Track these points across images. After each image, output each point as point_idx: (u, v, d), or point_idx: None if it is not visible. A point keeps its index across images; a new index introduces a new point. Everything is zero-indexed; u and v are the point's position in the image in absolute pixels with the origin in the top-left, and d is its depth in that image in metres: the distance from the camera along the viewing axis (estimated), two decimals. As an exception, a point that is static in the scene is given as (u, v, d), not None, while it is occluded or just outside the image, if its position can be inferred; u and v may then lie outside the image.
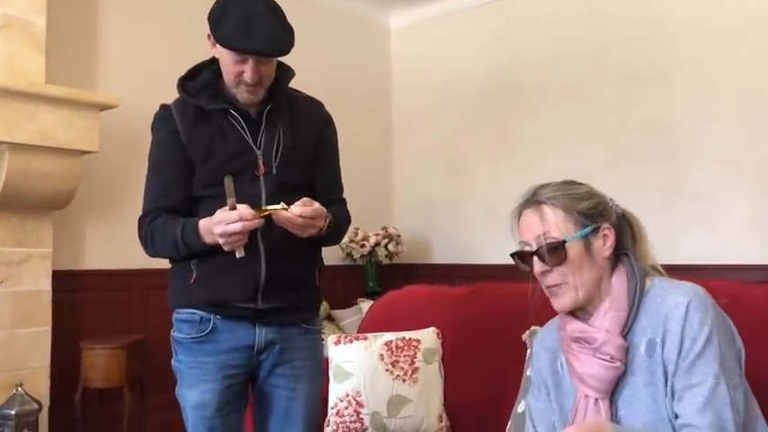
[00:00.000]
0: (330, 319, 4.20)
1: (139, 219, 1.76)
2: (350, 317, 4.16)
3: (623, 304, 1.32)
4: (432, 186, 4.85)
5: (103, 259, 3.48)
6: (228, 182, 1.57)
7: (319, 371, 1.86)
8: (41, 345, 3.05)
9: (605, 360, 1.30)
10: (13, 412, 2.67)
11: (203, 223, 1.62)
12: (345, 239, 4.45)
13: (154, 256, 1.76)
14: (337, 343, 2.36)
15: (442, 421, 2.21)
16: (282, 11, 1.67)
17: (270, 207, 1.59)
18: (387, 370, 2.25)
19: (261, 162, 1.71)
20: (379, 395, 2.21)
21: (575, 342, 1.35)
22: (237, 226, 1.54)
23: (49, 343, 3.08)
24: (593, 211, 1.35)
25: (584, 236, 1.33)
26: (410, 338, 2.32)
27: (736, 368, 1.26)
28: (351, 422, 2.19)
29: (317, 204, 1.63)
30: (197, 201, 1.73)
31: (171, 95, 1.79)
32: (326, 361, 2.27)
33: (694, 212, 3.59)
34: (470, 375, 2.24)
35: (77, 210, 3.32)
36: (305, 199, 1.62)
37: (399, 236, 4.65)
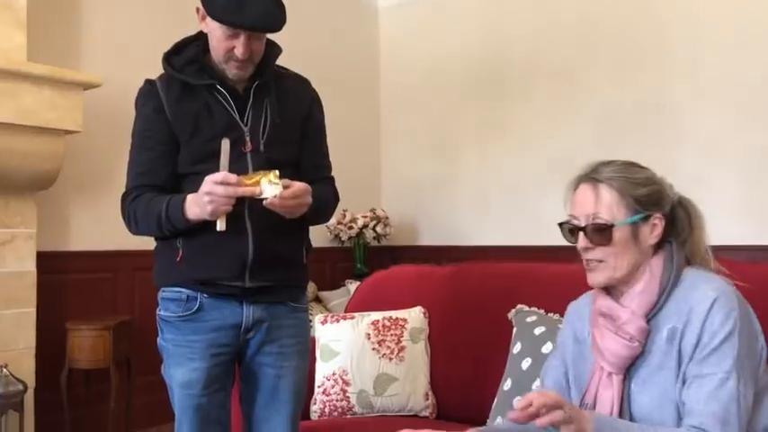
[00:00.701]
0: (318, 300, 4.20)
1: (122, 196, 1.73)
2: (337, 298, 4.16)
3: (654, 290, 1.34)
4: (420, 168, 4.84)
5: (89, 240, 3.45)
6: (225, 144, 1.56)
7: (307, 349, 1.85)
8: (26, 326, 3.03)
9: (624, 339, 1.33)
10: (-2, 393, 2.66)
11: (191, 196, 1.60)
12: (333, 221, 4.44)
13: (136, 234, 1.74)
14: (324, 322, 2.36)
15: (428, 399, 2.22)
16: None
17: (258, 174, 1.57)
18: (373, 349, 2.25)
19: (248, 139, 1.70)
20: (365, 374, 2.22)
21: (601, 316, 1.39)
22: (219, 189, 1.53)
23: (34, 324, 3.05)
24: (647, 198, 1.37)
25: (634, 222, 1.35)
26: (397, 318, 2.33)
27: (753, 369, 1.27)
28: (337, 400, 2.20)
29: (297, 183, 1.62)
30: (182, 178, 1.71)
31: (155, 74, 1.77)
32: (313, 340, 2.28)
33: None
34: (456, 354, 2.25)
35: (62, 190, 3.28)
36: (285, 180, 1.60)
37: (387, 218, 4.65)
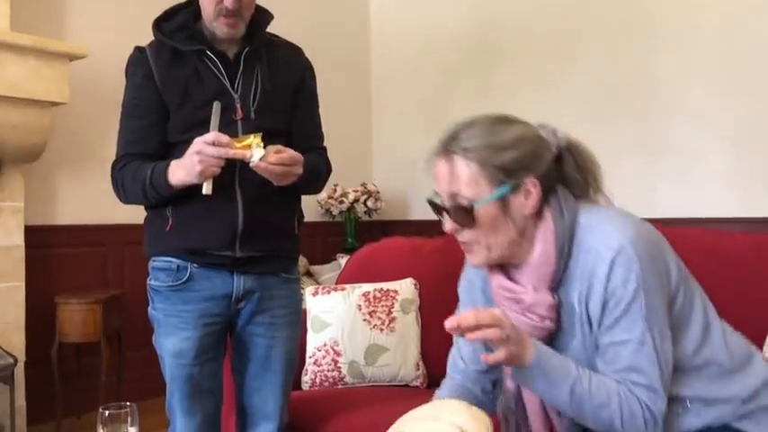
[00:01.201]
0: (309, 274, 4.20)
1: (112, 164, 1.72)
2: (329, 272, 4.17)
3: (551, 258, 1.19)
4: (411, 143, 4.81)
5: (77, 214, 3.43)
6: (216, 107, 1.54)
7: (298, 320, 1.85)
8: (15, 300, 3.01)
9: (534, 321, 1.21)
10: (-13, 366, 2.65)
11: (175, 161, 1.59)
12: (324, 195, 4.42)
13: (126, 203, 1.73)
14: (315, 294, 2.36)
15: (418, 369, 2.23)
16: None
17: (247, 138, 1.55)
18: (364, 320, 2.26)
19: (238, 106, 1.68)
20: (356, 344, 2.23)
21: (502, 298, 1.26)
22: (210, 149, 1.51)
23: (23, 298, 3.04)
24: (516, 164, 1.18)
25: (501, 197, 1.18)
26: (388, 289, 2.33)
27: (666, 313, 1.17)
28: (329, 371, 2.21)
29: (290, 150, 1.60)
30: (172, 146, 1.69)
31: (142, 44, 1.74)
32: (304, 312, 2.28)
33: (672, 166, 3.61)
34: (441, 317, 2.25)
35: (49, 163, 3.25)
36: (278, 146, 1.59)
37: (378, 192, 4.63)
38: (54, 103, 3.02)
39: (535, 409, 1.26)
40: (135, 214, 1.85)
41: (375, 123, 5.07)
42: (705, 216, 3.39)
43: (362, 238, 4.52)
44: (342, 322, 2.26)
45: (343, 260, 4.22)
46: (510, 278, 1.26)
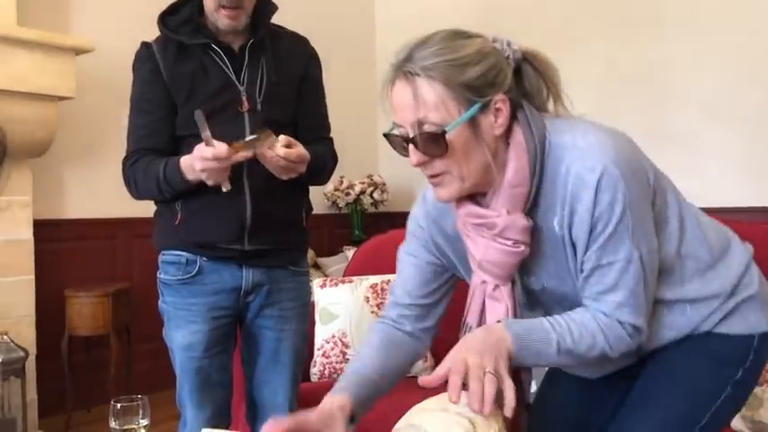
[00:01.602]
0: (316, 266, 4.21)
1: (123, 160, 1.73)
2: (336, 264, 4.17)
3: (524, 179, 1.11)
4: (417, 134, 4.81)
5: (85, 207, 3.44)
6: (198, 115, 1.52)
7: (307, 312, 1.86)
8: (25, 293, 3.03)
9: (507, 246, 1.12)
10: (-1, 360, 2.67)
11: (185, 159, 1.59)
12: (330, 187, 4.43)
13: (138, 198, 1.74)
14: (323, 286, 2.37)
15: (426, 361, 2.24)
16: None
17: (247, 139, 1.55)
18: (372, 312, 2.26)
19: (244, 98, 1.68)
20: (364, 336, 2.23)
21: (470, 225, 1.16)
22: (212, 164, 1.51)
23: (33, 292, 3.06)
24: (482, 80, 1.07)
25: (471, 117, 1.07)
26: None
27: (650, 223, 1.13)
28: (337, 363, 2.22)
29: (301, 148, 1.60)
30: (180, 140, 1.70)
31: (148, 38, 1.75)
32: (312, 304, 2.29)
33: (682, 156, 3.58)
34: (454, 316, 2.25)
35: (56, 157, 3.26)
36: (290, 138, 1.59)
37: (384, 184, 4.63)
38: (61, 98, 3.02)
39: None
40: (142, 207, 1.85)
41: (380, 115, 5.04)
42: (716, 206, 3.37)
43: (369, 229, 4.52)
44: (350, 314, 2.26)
45: (350, 252, 4.23)
46: (479, 205, 1.17)
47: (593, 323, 1.12)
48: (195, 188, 1.62)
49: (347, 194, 4.49)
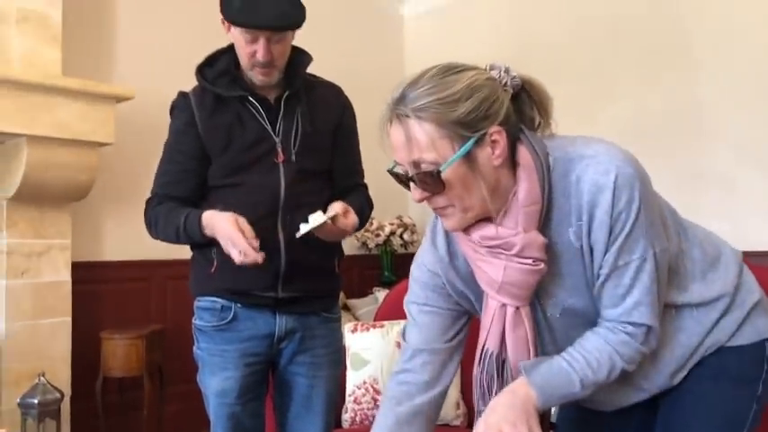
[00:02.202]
0: (346, 308, 4.21)
1: (147, 200, 1.78)
2: (366, 306, 4.17)
3: (536, 197, 1.11)
4: (446, 175, 4.83)
5: (122, 250, 3.51)
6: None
7: (339, 358, 1.87)
8: (62, 335, 3.09)
9: (527, 265, 1.11)
10: (35, 401, 2.71)
11: (207, 217, 1.63)
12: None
13: (156, 238, 1.78)
14: (354, 331, 2.37)
15: (459, 408, 2.21)
16: None
17: (314, 223, 1.58)
18: (404, 357, 2.25)
19: (280, 149, 1.71)
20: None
21: (485, 248, 1.14)
22: (234, 254, 1.56)
23: (69, 333, 3.12)
24: (474, 115, 1.07)
25: (466, 153, 1.07)
26: (427, 326, 2.33)
27: (658, 226, 1.14)
28: (368, 409, 2.21)
29: (354, 217, 1.64)
30: (212, 189, 1.74)
31: (186, 86, 1.80)
32: (344, 349, 2.29)
33: (714, 198, 3.54)
34: (471, 345, 2.24)
35: (95, 201, 3.35)
36: (344, 205, 1.63)
37: (414, 225, 4.65)
38: (100, 144, 3.12)
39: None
40: (177, 249, 1.89)
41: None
42: (749, 249, 3.31)
43: (399, 271, 4.52)
44: (381, 360, 2.26)
45: (379, 294, 4.23)
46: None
47: (606, 347, 1.14)
48: (209, 241, 1.66)
49: (377, 235, 4.51)
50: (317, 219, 1.57)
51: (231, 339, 1.72)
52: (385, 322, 2.39)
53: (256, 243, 1.55)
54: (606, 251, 1.11)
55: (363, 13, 4.86)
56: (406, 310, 1.31)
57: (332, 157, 1.81)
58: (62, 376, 3.03)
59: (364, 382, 2.24)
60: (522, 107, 1.17)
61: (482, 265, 1.16)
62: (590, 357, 1.14)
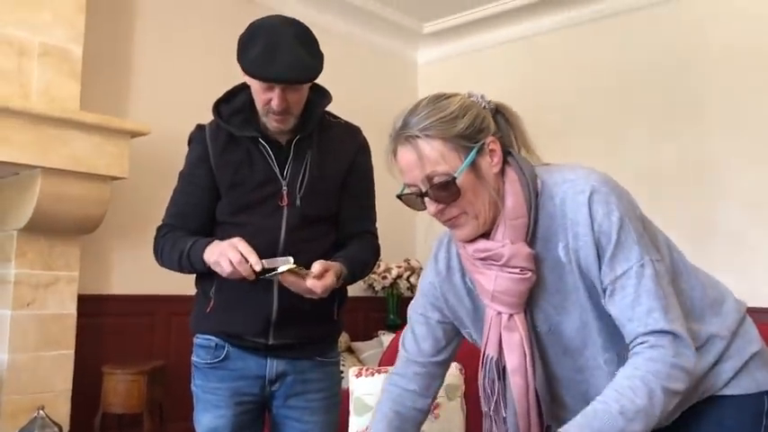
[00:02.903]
0: (350, 351, 4.17)
1: (158, 228, 1.77)
2: (370, 349, 4.13)
3: (522, 210, 1.21)
4: (455, 220, 4.84)
5: (128, 284, 3.51)
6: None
7: (336, 403, 1.82)
8: (64, 368, 3.07)
9: (515, 274, 1.20)
10: (33, 435, 2.67)
11: (212, 246, 1.60)
12: (367, 271, 4.43)
13: (162, 266, 1.77)
14: (358, 375, 2.34)
15: None
16: (313, 37, 1.64)
17: (280, 268, 1.54)
18: (408, 404, 2.22)
19: (285, 193, 1.69)
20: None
21: (479, 260, 1.24)
22: (224, 264, 1.53)
23: (71, 367, 3.09)
24: (472, 128, 1.21)
25: (472, 162, 1.19)
26: (432, 373, 2.30)
27: (647, 240, 1.19)
28: (371, 457, 2.16)
29: (329, 279, 1.57)
30: (219, 224, 1.73)
31: (201, 122, 1.81)
32: (347, 393, 2.26)
33: (727, 254, 3.52)
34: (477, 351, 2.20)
35: (105, 234, 3.36)
36: (324, 265, 1.57)
37: (422, 268, 4.62)
38: (114, 178, 3.14)
39: (517, 381, 1.25)
40: (181, 284, 1.88)
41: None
42: (757, 305, 3.28)
43: (405, 314, 4.45)
44: (385, 406, 2.22)
45: (384, 337, 4.19)
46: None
47: (635, 371, 1.11)
48: (209, 270, 1.63)
49: (384, 278, 4.49)
50: (282, 265, 1.53)
51: (223, 378, 1.71)
52: (390, 368, 2.36)
53: (254, 260, 1.52)
54: (600, 266, 1.16)
55: (378, 59, 4.95)
56: (408, 316, 1.44)
57: (340, 200, 1.77)
58: (62, 410, 3.00)
59: (367, 428, 2.19)
60: (501, 130, 1.28)
61: (478, 277, 1.26)
62: (621, 387, 1.10)
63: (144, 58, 3.67)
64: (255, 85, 1.64)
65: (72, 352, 3.10)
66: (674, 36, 3.92)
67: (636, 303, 1.13)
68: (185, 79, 3.76)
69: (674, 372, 1.10)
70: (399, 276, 4.52)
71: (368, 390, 2.28)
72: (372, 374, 2.33)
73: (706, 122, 3.74)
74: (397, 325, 4.37)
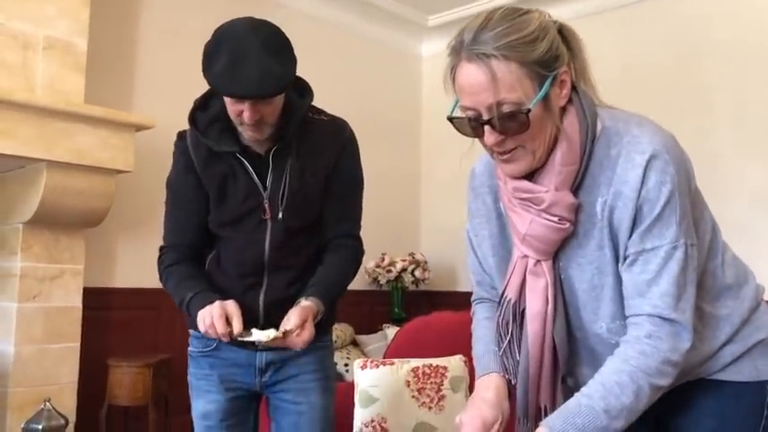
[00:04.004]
0: (355, 344, 4.18)
1: (160, 249, 1.76)
2: (375, 342, 4.14)
3: (574, 157, 1.11)
4: (459, 213, 4.81)
5: (133, 277, 3.52)
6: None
7: (330, 388, 1.81)
8: (70, 361, 3.08)
9: (552, 222, 1.12)
10: (40, 427, 2.66)
11: (205, 310, 1.59)
12: (371, 264, 4.44)
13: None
14: (364, 367, 2.35)
15: None
16: (283, 42, 1.55)
17: (257, 336, 1.56)
18: (413, 397, 2.22)
19: (267, 206, 1.66)
20: (404, 422, 2.19)
21: (517, 200, 1.16)
22: (202, 325, 1.55)
23: (77, 359, 3.10)
24: (550, 54, 1.07)
25: (546, 94, 1.07)
26: (437, 365, 2.30)
27: (689, 221, 1.11)
28: (376, 449, 2.17)
29: (309, 333, 1.57)
30: (214, 236, 1.74)
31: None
32: (352, 385, 2.26)
33: (733, 247, 3.51)
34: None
35: (110, 228, 3.37)
36: (303, 319, 1.56)
37: (426, 262, 4.63)
38: (119, 171, 3.15)
39: (534, 329, 1.20)
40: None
41: (423, 194, 5.11)
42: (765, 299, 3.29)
43: (409, 308, 4.50)
44: (389, 398, 2.23)
45: (389, 330, 4.20)
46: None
47: (625, 366, 1.08)
48: (219, 287, 1.67)
49: (388, 272, 4.49)
50: (266, 335, 1.54)
51: (215, 365, 1.74)
52: (395, 360, 2.37)
53: (237, 328, 1.53)
54: (632, 232, 1.09)
55: (382, 53, 4.94)
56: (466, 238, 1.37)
57: (323, 201, 1.72)
58: (68, 402, 3.01)
59: (372, 420, 2.20)
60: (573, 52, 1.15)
61: (512, 215, 1.18)
62: (608, 383, 1.07)
63: (149, 51, 3.67)
64: (225, 98, 1.58)
65: (78, 345, 3.11)
66: (679, 29, 3.90)
67: (654, 283, 1.08)
68: (190, 72, 3.70)
69: (663, 367, 1.08)
70: (404, 270, 4.51)
71: (372, 382, 2.28)
72: (377, 366, 2.33)
73: (712, 116, 3.72)
74: (402, 318, 4.37)
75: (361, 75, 4.65)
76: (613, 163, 1.10)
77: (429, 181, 5.07)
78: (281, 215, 1.67)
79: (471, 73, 1.07)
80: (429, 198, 5.07)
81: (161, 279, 1.76)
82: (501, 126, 1.08)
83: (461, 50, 1.08)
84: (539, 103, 1.07)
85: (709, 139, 3.70)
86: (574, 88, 1.14)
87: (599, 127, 1.13)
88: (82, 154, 2.97)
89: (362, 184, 1.80)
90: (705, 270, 1.18)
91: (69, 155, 2.93)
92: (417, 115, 5.12)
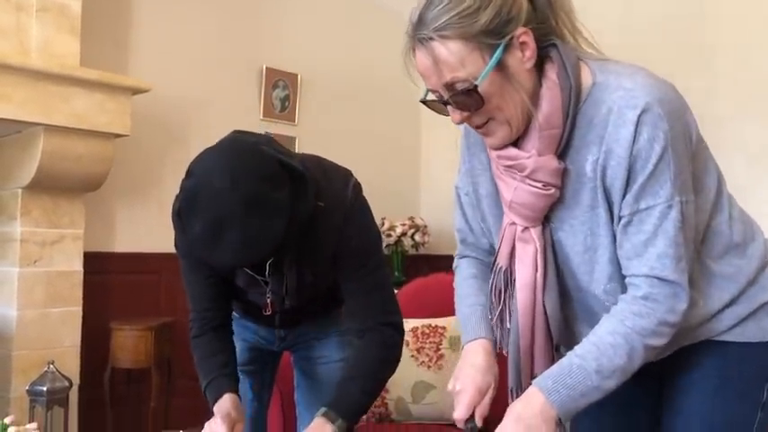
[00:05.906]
0: (355, 307, 4.21)
1: (190, 320, 1.72)
2: (375, 305, 4.16)
3: (556, 120, 1.08)
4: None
5: (133, 242, 3.53)
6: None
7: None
8: (72, 324, 3.10)
9: (536, 188, 1.10)
10: (44, 389, 2.70)
11: (218, 407, 1.56)
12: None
13: None
14: (363, 328, 2.37)
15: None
16: (267, 190, 1.28)
17: None
18: (412, 356, 2.25)
19: (269, 302, 1.57)
20: (403, 381, 2.22)
21: (503, 167, 1.15)
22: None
23: (79, 323, 3.13)
24: (497, 21, 1.02)
25: (497, 62, 1.03)
26: (436, 325, 2.32)
27: (686, 177, 1.08)
28: (375, 407, 2.20)
29: None
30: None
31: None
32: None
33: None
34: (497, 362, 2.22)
35: (109, 192, 3.36)
36: None
37: (426, 226, 4.64)
38: (116, 135, 3.13)
39: (523, 298, 1.20)
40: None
41: (423, 159, 5.09)
42: (764, 259, 3.30)
43: (409, 272, 4.51)
44: (389, 358, 2.25)
45: (389, 294, 4.22)
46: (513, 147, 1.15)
47: (621, 327, 1.07)
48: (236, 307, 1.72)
49: (388, 236, 4.50)
50: None
51: (236, 320, 1.76)
52: (394, 321, 2.38)
53: None
54: (626, 192, 1.06)
55: (383, 17, 4.86)
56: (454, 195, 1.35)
57: (334, 278, 1.58)
58: (71, 365, 3.04)
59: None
60: (539, 9, 1.09)
61: (499, 183, 1.18)
62: (602, 344, 1.07)
63: (144, 13, 3.62)
64: None
65: (80, 308, 3.14)
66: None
67: (650, 243, 1.06)
68: (186, 35, 3.70)
69: (659, 328, 1.07)
70: (404, 234, 4.52)
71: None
72: (377, 327, 2.35)
73: (716, 78, 3.68)
74: (402, 282, 4.39)
75: (364, 38, 4.59)
76: (604, 120, 1.06)
77: (429, 145, 5.05)
78: (287, 303, 1.60)
79: (419, 59, 1.08)
80: (429, 162, 5.05)
81: (192, 347, 1.71)
82: (457, 104, 1.08)
83: (410, 38, 1.09)
84: (492, 74, 1.04)
85: (709, 99, 3.67)
86: (554, 44, 1.09)
87: (589, 82, 1.09)
88: (79, 118, 2.95)
89: (375, 250, 1.60)
90: (710, 225, 1.16)
91: (66, 119, 2.91)
92: (417, 80, 5.07)
